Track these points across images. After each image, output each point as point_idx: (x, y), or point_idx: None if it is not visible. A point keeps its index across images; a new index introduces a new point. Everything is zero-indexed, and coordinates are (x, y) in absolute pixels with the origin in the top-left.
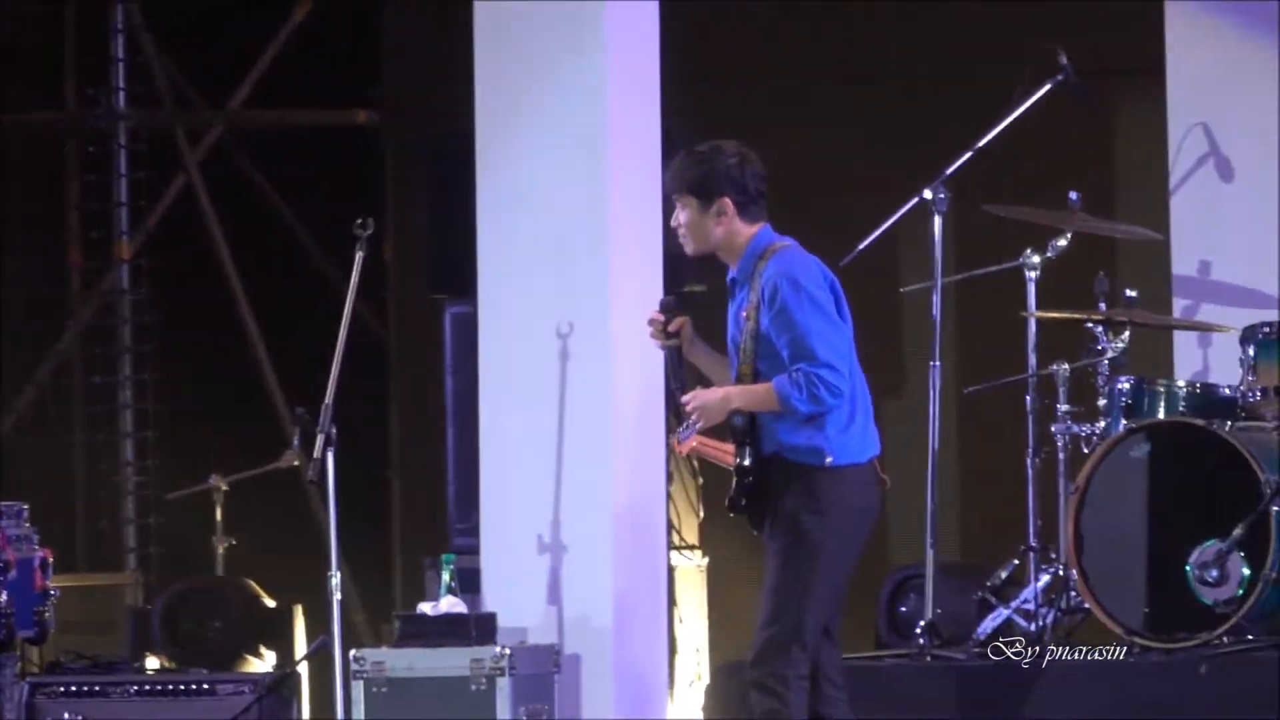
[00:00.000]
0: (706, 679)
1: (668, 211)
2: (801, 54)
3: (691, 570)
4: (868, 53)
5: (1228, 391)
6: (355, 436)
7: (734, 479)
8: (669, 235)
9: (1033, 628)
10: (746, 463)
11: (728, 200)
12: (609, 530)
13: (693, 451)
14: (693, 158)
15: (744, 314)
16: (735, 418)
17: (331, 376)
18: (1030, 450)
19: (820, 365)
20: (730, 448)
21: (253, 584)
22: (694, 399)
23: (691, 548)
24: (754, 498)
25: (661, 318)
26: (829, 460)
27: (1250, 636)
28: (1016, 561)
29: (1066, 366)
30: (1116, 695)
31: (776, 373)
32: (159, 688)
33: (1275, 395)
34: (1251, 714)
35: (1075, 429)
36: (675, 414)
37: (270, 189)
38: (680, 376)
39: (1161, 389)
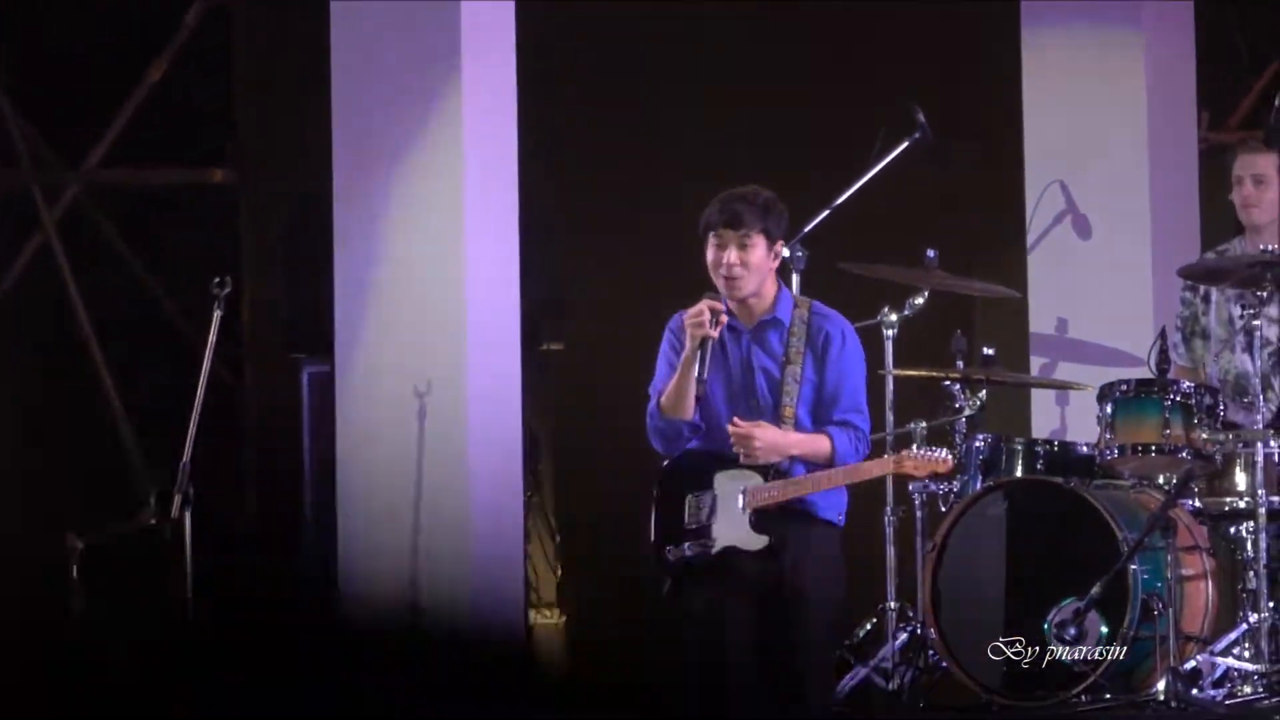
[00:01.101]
0: None
1: (525, 269)
2: (656, 110)
3: (549, 628)
4: (725, 105)
5: (1085, 449)
6: (212, 496)
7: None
8: (525, 292)
9: (891, 686)
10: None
11: (780, 246)
12: (467, 590)
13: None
14: (762, 198)
15: (783, 356)
16: (796, 465)
17: (189, 436)
18: (888, 508)
19: (867, 420)
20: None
21: None
22: (757, 433)
23: (549, 605)
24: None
25: (720, 305)
26: (840, 516)
27: (1108, 695)
28: (875, 620)
29: (924, 424)
30: None
31: (818, 422)
32: None
33: (1133, 453)
34: None
35: (932, 487)
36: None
37: (127, 248)
38: (705, 372)
39: (1019, 447)
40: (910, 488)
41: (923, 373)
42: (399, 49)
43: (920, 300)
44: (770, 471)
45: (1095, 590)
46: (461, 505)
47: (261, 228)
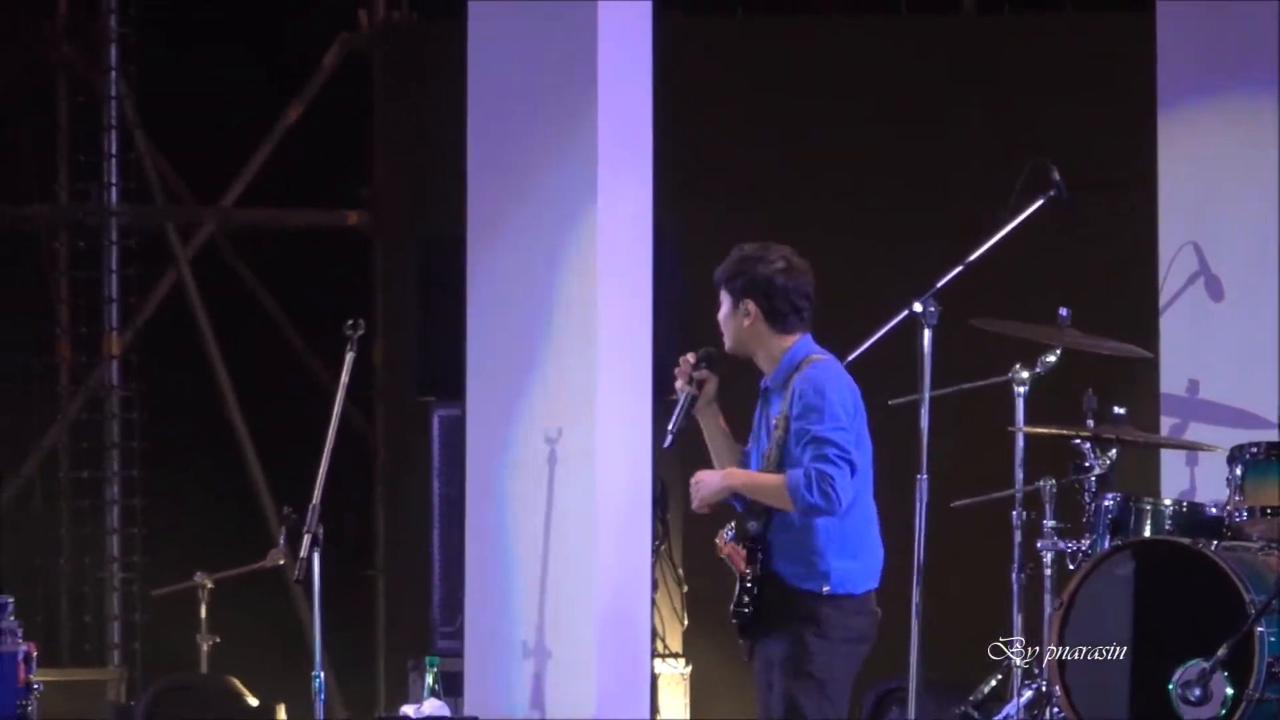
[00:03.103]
0: None
1: (659, 315)
2: (796, 166)
3: (674, 678)
4: (862, 165)
5: (1214, 511)
6: (341, 538)
7: (738, 585)
8: (658, 340)
9: None
10: (755, 570)
11: (752, 304)
12: (592, 635)
13: (729, 555)
14: (738, 254)
15: (774, 422)
16: (751, 523)
17: (319, 476)
18: (1015, 565)
19: (834, 465)
20: None
21: (236, 682)
22: (697, 477)
23: (675, 655)
24: (756, 609)
25: (693, 359)
26: (826, 590)
27: None
28: (1000, 677)
29: (1053, 482)
30: None
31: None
32: None
33: (1262, 515)
34: None
35: (1061, 545)
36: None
37: (261, 287)
38: (678, 425)
39: (1148, 507)
40: (1038, 545)
41: (1053, 430)
42: (535, 92)
43: (1052, 358)
44: (742, 534)
45: (1221, 652)
46: (589, 553)
47: (395, 271)
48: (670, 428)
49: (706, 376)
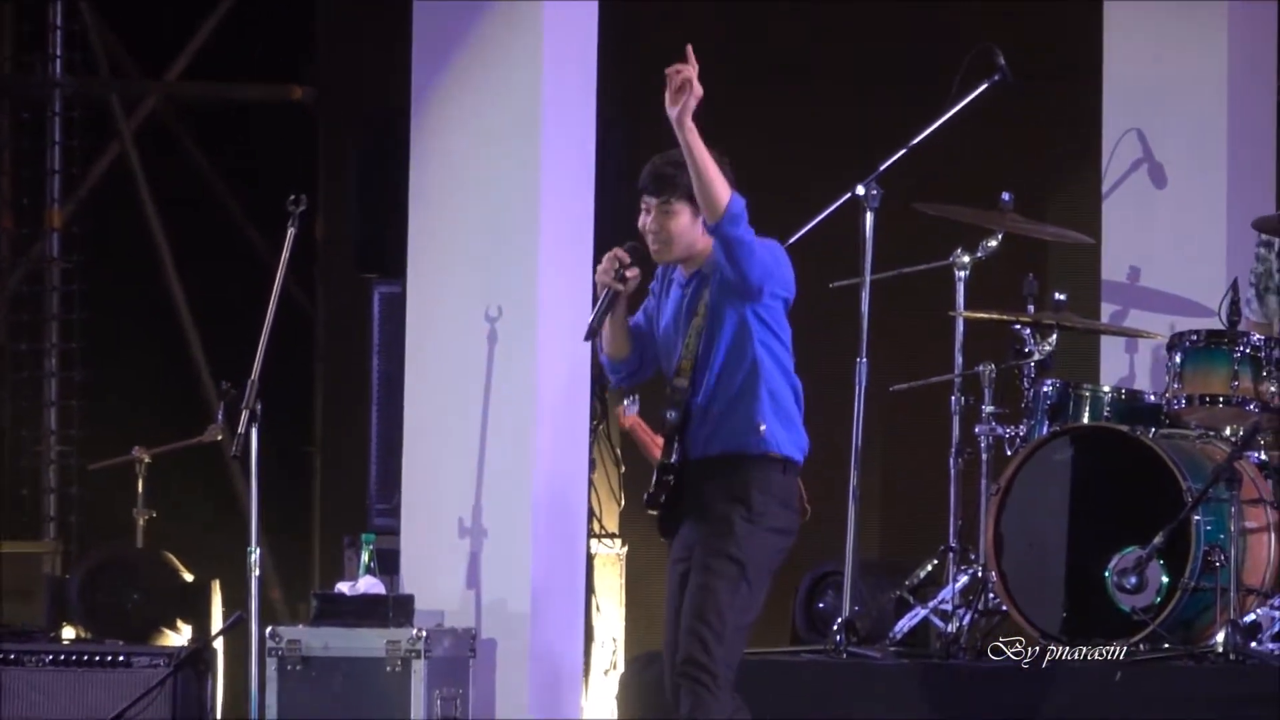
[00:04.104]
0: (621, 669)
1: (601, 198)
2: (734, 51)
3: (610, 559)
4: (802, 48)
5: (1153, 398)
6: (279, 414)
7: (655, 475)
8: (600, 222)
9: (950, 628)
10: (672, 460)
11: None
12: (529, 516)
13: (631, 428)
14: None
15: (697, 309)
16: (670, 413)
17: (258, 352)
18: (953, 450)
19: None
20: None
21: (172, 557)
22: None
23: (611, 536)
24: (673, 500)
25: (626, 256)
26: (766, 446)
27: (1166, 645)
28: (936, 561)
29: (993, 367)
30: (1030, 700)
31: (727, 353)
32: (74, 658)
33: (1200, 403)
34: None
35: (999, 430)
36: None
37: (204, 161)
38: (601, 320)
39: (1087, 393)
40: (976, 430)
41: (993, 315)
42: None
43: (993, 243)
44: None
45: (1158, 540)
46: (527, 430)
47: (338, 147)
48: (592, 323)
49: (636, 274)
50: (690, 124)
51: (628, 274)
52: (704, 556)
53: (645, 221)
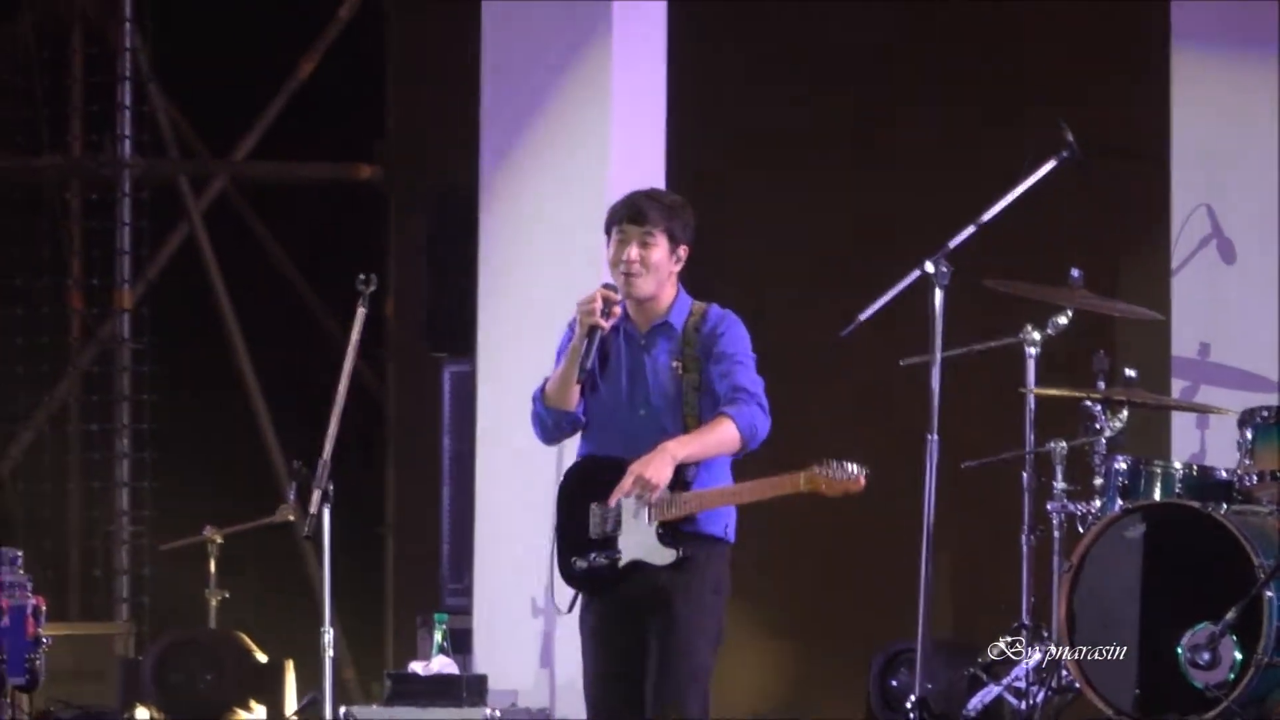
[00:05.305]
0: None
1: None
2: (807, 126)
3: None
4: (873, 123)
5: (1224, 474)
6: (351, 493)
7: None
8: None
9: (1023, 706)
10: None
11: (684, 251)
12: None
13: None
14: (668, 199)
15: (674, 363)
16: (700, 472)
17: (329, 432)
18: (1025, 527)
19: (764, 398)
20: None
21: (244, 637)
22: (637, 472)
23: None
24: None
25: (615, 294)
26: (729, 531)
27: None
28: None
29: (1064, 444)
30: None
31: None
32: None
33: (1272, 479)
34: None
35: (1071, 507)
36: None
37: (273, 241)
38: (594, 361)
39: (1158, 470)
40: (1048, 507)
41: (1064, 392)
42: (550, 49)
43: (1064, 319)
44: (677, 482)
45: (1230, 615)
46: None
47: (407, 225)
48: (590, 364)
49: (618, 314)
50: (682, 456)
51: (615, 310)
52: (675, 635)
53: (619, 253)
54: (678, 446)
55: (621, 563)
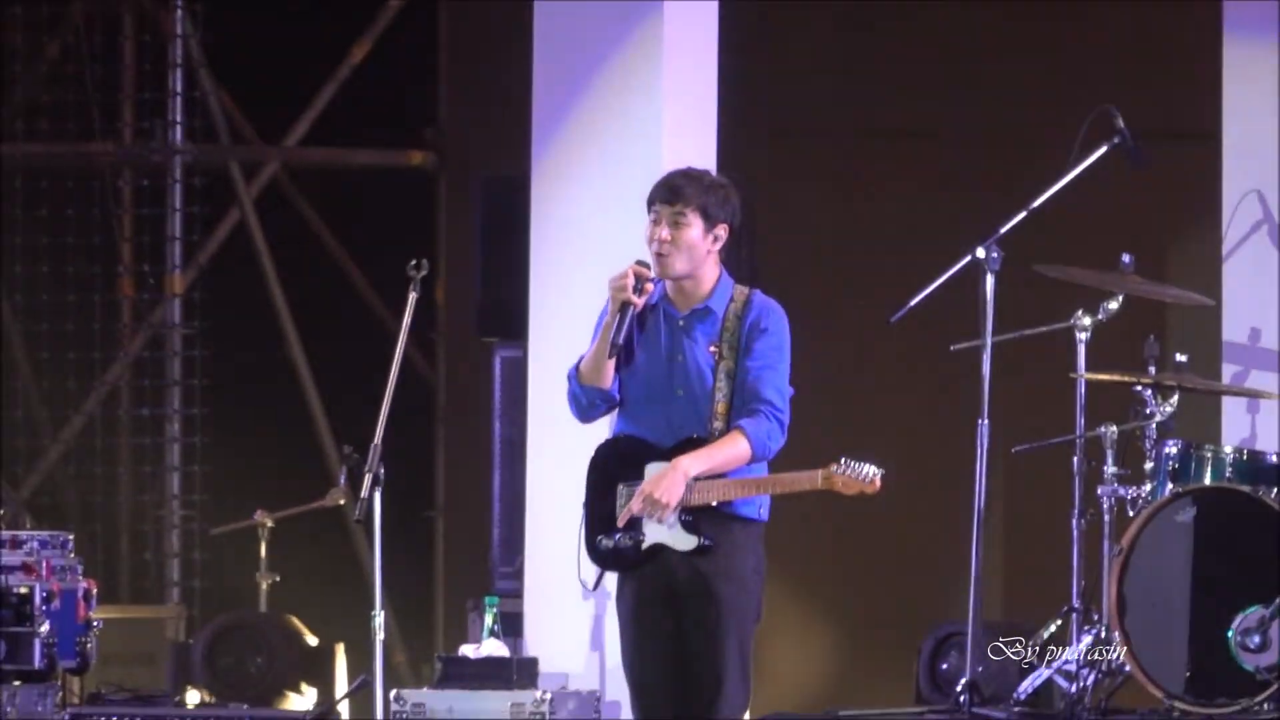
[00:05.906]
0: None
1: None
2: (858, 112)
3: None
4: (924, 110)
5: (1274, 459)
6: (402, 478)
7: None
8: None
9: (1073, 689)
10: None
11: (724, 230)
12: None
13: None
14: (707, 178)
15: (711, 349)
16: None
17: (381, 416)
18: (1076, 511)
19: (783, 410)
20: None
21: (295, 621)
22: (647, 492)
23: None
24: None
25: (647, 271)
26: (763, 511)
27: None
28: (1059, 621)
29: (1114, 429)
30: None
31: (739, 412)
32: None
33: None
34: None
35: (1121, 491)
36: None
37: (324, 227)
38: (623, 338)
39: (1209, 454)
40: (1099, 491)
41: (1115, 377)
42: (602, 36)
43: (1114, 305)
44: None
45: None
46: None
47: (459, 211)
48: (620, 340)
49: (650, 290)
50: (694, 472)
51: (647, 287)
52: (720, 619)
53: (653, 231)
54: (691, 463)
55: (645, 545)
